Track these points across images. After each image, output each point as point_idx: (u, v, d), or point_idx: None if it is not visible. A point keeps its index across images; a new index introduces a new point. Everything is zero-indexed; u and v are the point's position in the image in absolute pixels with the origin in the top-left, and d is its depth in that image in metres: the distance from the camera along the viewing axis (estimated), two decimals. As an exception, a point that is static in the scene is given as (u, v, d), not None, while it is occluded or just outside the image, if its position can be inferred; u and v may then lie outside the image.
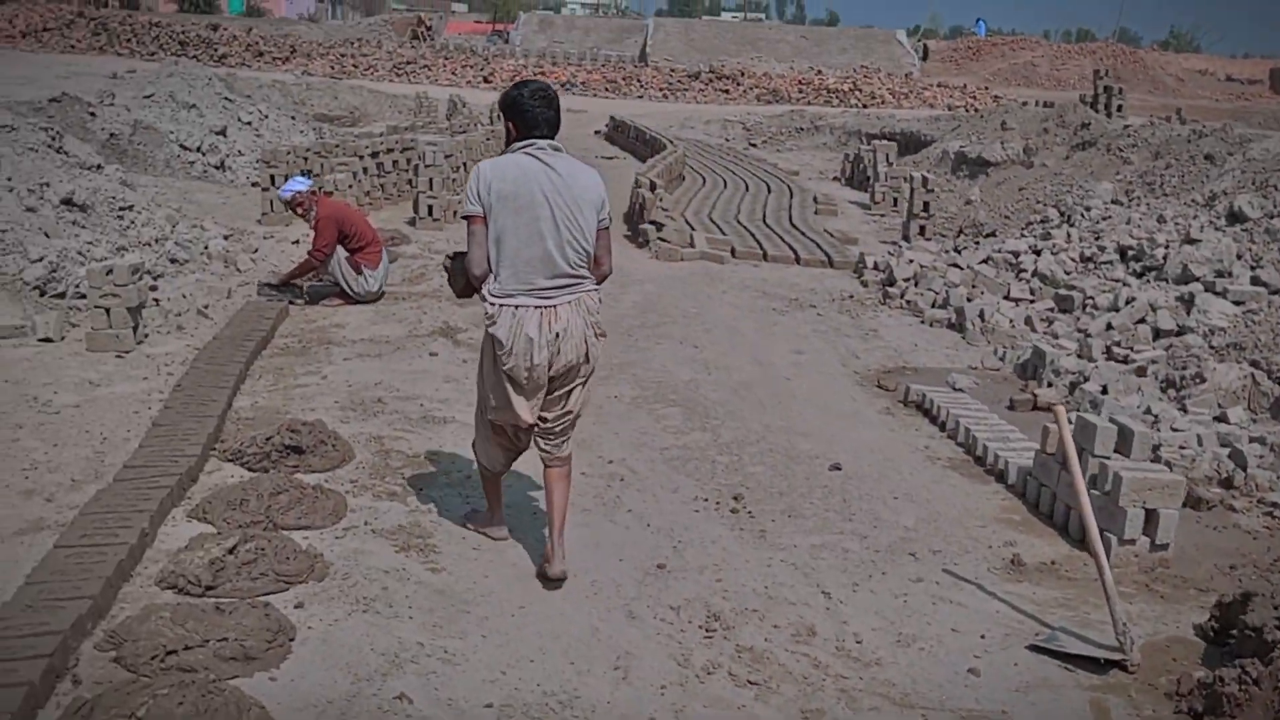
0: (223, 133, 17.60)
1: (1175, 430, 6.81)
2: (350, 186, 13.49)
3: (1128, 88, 41.79)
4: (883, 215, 17.00)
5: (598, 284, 4.73)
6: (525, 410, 4.68)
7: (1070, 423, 6.61)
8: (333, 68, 36.36)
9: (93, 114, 15.60)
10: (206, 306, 8.91)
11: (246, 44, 37.71)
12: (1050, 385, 7.89)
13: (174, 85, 18.04)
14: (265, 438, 5.96)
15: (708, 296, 10.59)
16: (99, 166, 11.10)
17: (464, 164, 15.07)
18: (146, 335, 8.03)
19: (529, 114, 4.61)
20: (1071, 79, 53.30)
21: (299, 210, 9.56)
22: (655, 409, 7.15)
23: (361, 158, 14.41)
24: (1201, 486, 6.04)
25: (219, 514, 5.09)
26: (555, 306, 4.58)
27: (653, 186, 13.54)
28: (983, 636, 4.44)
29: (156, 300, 8.69)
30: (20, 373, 7.05)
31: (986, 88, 42.15)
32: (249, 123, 19.19)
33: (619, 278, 11.14)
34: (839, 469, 6.19)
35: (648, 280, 11.09)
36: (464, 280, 4.75)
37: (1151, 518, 5.15)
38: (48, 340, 7.73)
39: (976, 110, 32.06)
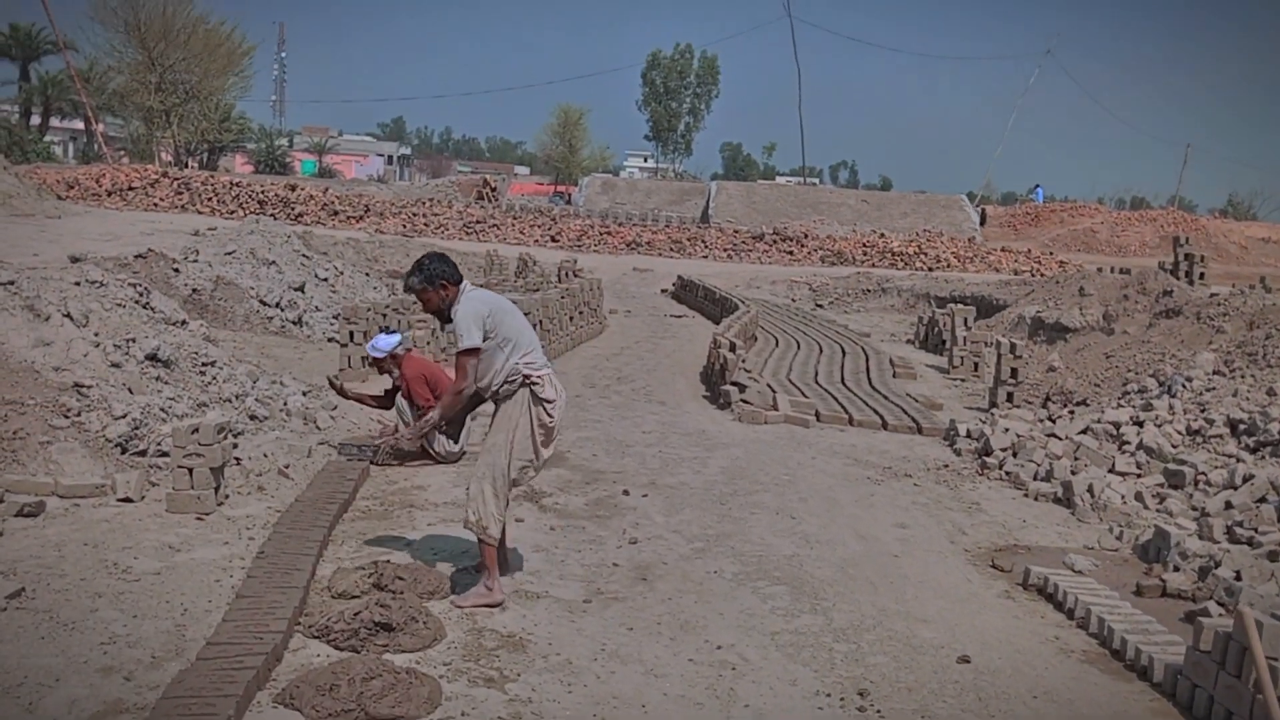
0: (301, 289, 17.75)
1: (1329, 625, 6.24)
2: (429, 343, 13.42)
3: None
4: (963, 380, 16.64)
5: None
6: (547, 453, 6.31)
7: (1214, 615, 6.11)
8: (405, 226, 37.13)
9: (176, 270, 15.82)
10: (288, 466, 8.68)
11: (322, 203, 38.70)
12: (1177, 570, 7.36)
13: (255, 242, 18.34)
14: (354, 613, 5.61)
15: (798, 463, 10.21)
16: (184, 322, 11.10)
17: (539, 321, 14.99)
18: (227, 496, 7.79)
19: (452, 271, 6.17)
20: (1132, 245, 53.18)
21: (382, 368, 9.44)
22: (759, 587, 6.72)
23: (439, 315, 14.38)
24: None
25: (308, 700, 4.71)
26: (553, 372, 6.32)
27: (733, 347, 13.33)
28: None
29: (238, 459, 8.48)
30: (100, 535, 6.80)
31: (1050, 253, 42.07)
32: (325, 279, 19.41)
33: (703, 440, 10.86)
34: (968, 661, 5.70)
35: (733, 444, 10.75)
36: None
37: (1337, 732, 4.61)
38: (128, 500, 7.50)
39: (1043, 275, 31.89)
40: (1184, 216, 59.20)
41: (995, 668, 5.67)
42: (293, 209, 37.63)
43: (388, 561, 6.44)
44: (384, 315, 14.03)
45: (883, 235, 42.15)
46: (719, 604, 6.38)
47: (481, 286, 14.14)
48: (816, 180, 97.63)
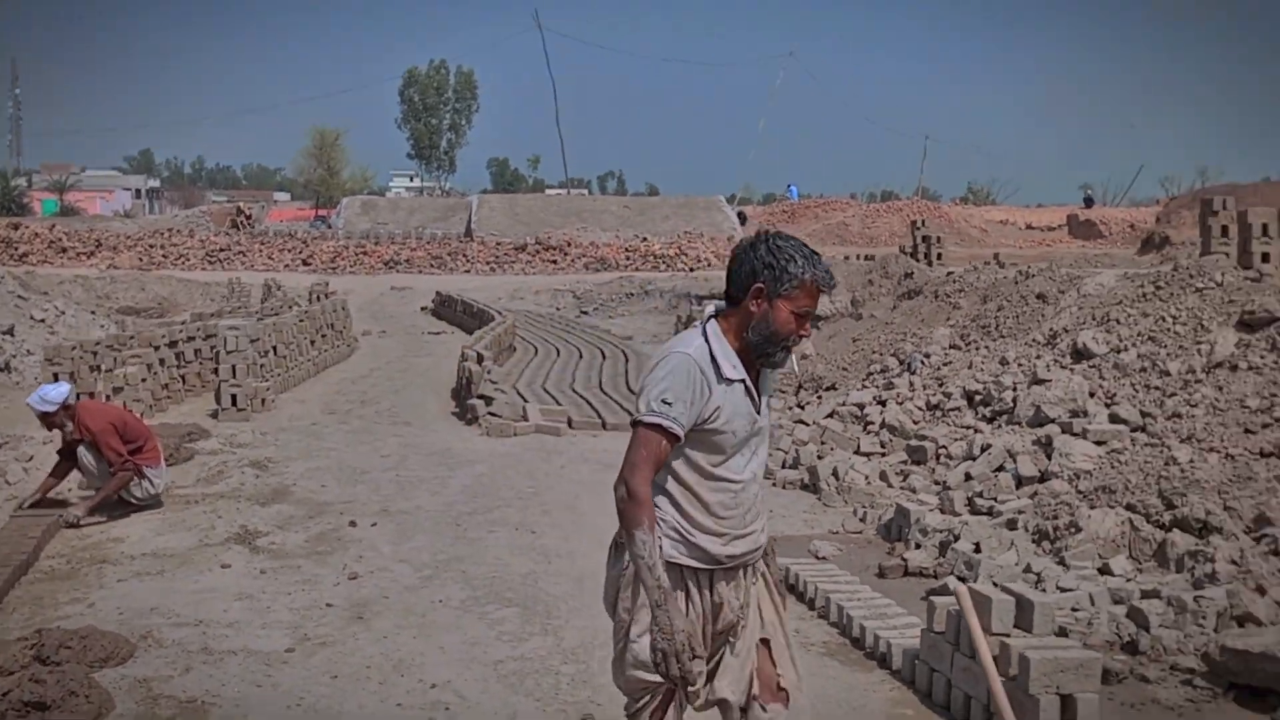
0: (9, 332, 16.17)
1: (1063, 590, 6.20)
2: (144, 380, 12.29)
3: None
4: (720, 375, 16.57)
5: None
6: None
7: (953, 589, 5.94)
8: (141, 259, 34.87)
9: None
10: (-44, 529, 7.59)
11: (49, 241, 35.88)
12: (919, 547, 7.24)
13: (-47, 284, 16.59)
14: (2, 693, 4.76)
15: (545, 473, 9.73)
16: None
17: (273, 348, 14.01)
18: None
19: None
20: (883, 236, 55.34)
21: (51, 423, 8.26)
22: (488, 611, 6.18)
23: (158, 348, 13.23)
24: (1105, 655, 5.38)
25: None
26: None
27: (479, 359, 12.76)
28: None
29: (-108, 527, 7.34)
30: None
31: (806, 247, 43.29)
32: (42, 320, 17.80)
33: (447, 459, 10.25)
34: (703, 669, 5.32)
35: (478, 460, 10.18)
36: None
37: (1068, 704, 4.44)
38: None
39: (800, 268, 32.63)
40: (928, 205, 61.99)
41: (732, 673, 5.31)
42: (16, 249, 34.73)
43: (55, 628, 5.58)
44: (94, 354, 12.79)
45: (645, 239, 42.38)
46: (441, 636, 5.81)
47: (212, 316, 12.39)
48: (585, 191, 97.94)
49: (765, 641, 3.37)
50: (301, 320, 15.82)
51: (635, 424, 3.31)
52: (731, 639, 3.44)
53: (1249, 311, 8.54)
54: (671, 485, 3.39)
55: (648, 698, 3.40)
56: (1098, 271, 12.38)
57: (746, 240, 3.40)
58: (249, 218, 58.03)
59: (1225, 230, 11.09)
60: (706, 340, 3.34)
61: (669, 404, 3.24)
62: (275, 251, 37.75)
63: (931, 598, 5.28)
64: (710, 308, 3.45)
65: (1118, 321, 9.53)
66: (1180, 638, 5.51)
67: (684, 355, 3.30)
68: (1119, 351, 9.15)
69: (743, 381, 3.34)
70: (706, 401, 3.28)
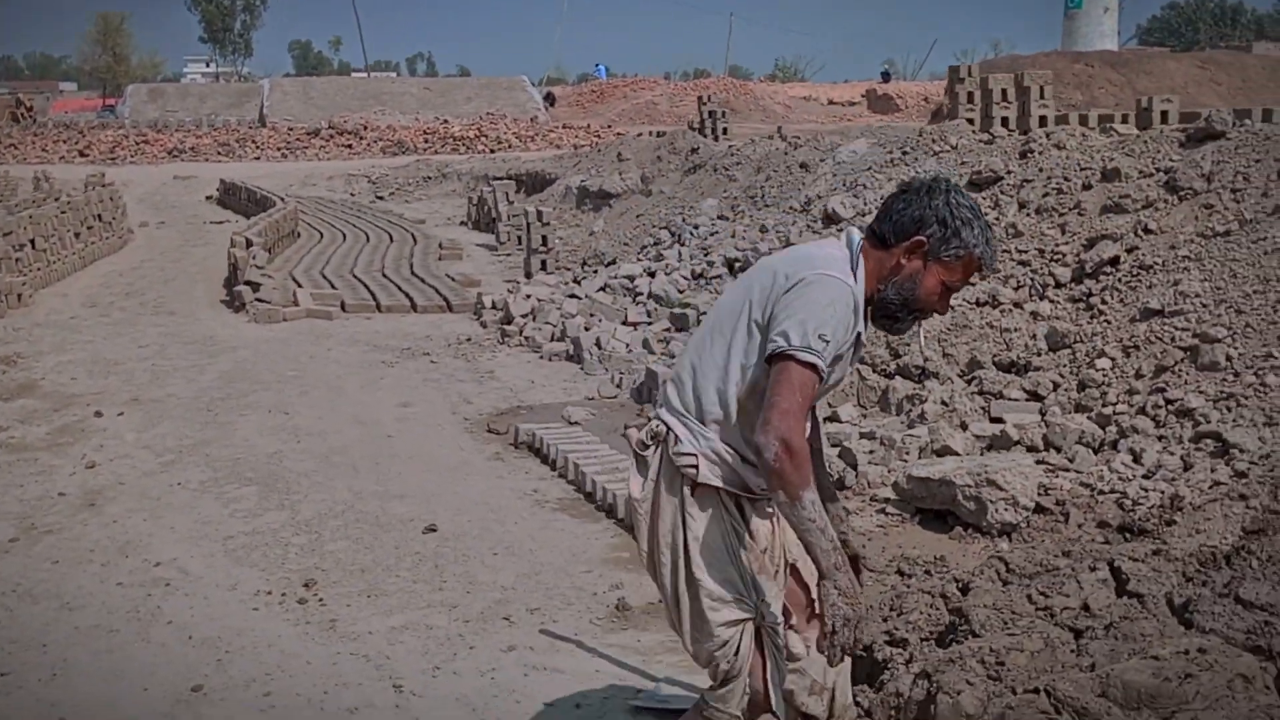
0: None
1: (787, 436, 6.55)
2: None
3: (741, 117, 43.85)
4: (509, 255, 16.56)
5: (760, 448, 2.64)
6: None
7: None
8: (-104, 156, 32.30)
9: None
10: None
11: None
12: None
13: None
14: None
15: (310, 356, 9.63)
16: None
17: (30, 241, 13.27)
18: None
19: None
20: (690, 113, 55.59)
21: None
22: (226, 491, 6.16)
23: (-103, 246, 12.38)
24: (814, 492, 5.75)
25: None
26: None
27: (248, 244, 12.40)
28: (578, 706, 3.82)
29: None
30: None
31: (610, 126, 43.13)
32: None
33: (208, 347, 10.03)
34: (434, 530, 5.47)
35: (241, 346, 10.00)
36: None
37: (759, 535, 4.75)
38: None
39: (599, 148, 32.61)
40: (735, 83, 62.42)
41: (462, 532, 5.48)
42: None
43: None
44: None
45: (445, 121, 41.51)
46: (173, 518, 5.77)
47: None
48: (395, 74, 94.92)
49: (794, 566, 2.96)
50: (64, 212, 14.99)
51: (786, 358, 2.66)
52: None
53: (977, 172, 9.01)
54: (737, 412, 2.79)
55: (736, 636, 2.83)
56: (853, 139, 12.82)
57: (923, 182, 2.90)
58: (30, 109, 54.43)
59: (971, 97, 11.58)
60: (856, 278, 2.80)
61: (826, 341, 2.69)
62: (50, 143, 35.47)
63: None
64: (856, 234, 2.87)
65: (865, 186, 9.93)
66: (884, 473, 5.93)
67: (848, 289, 2.76)
68: (864, 215, 9.54)
69: (860, 334, 2.84)
70: (842, 345, 2.77)
